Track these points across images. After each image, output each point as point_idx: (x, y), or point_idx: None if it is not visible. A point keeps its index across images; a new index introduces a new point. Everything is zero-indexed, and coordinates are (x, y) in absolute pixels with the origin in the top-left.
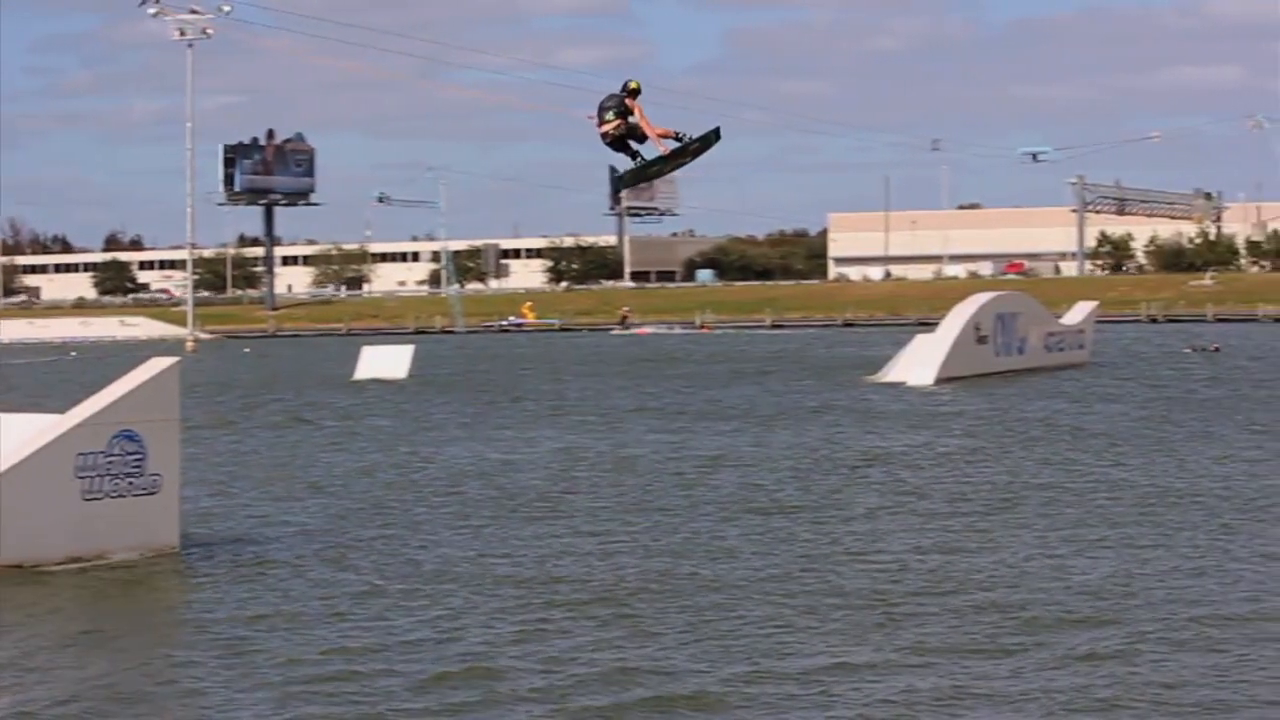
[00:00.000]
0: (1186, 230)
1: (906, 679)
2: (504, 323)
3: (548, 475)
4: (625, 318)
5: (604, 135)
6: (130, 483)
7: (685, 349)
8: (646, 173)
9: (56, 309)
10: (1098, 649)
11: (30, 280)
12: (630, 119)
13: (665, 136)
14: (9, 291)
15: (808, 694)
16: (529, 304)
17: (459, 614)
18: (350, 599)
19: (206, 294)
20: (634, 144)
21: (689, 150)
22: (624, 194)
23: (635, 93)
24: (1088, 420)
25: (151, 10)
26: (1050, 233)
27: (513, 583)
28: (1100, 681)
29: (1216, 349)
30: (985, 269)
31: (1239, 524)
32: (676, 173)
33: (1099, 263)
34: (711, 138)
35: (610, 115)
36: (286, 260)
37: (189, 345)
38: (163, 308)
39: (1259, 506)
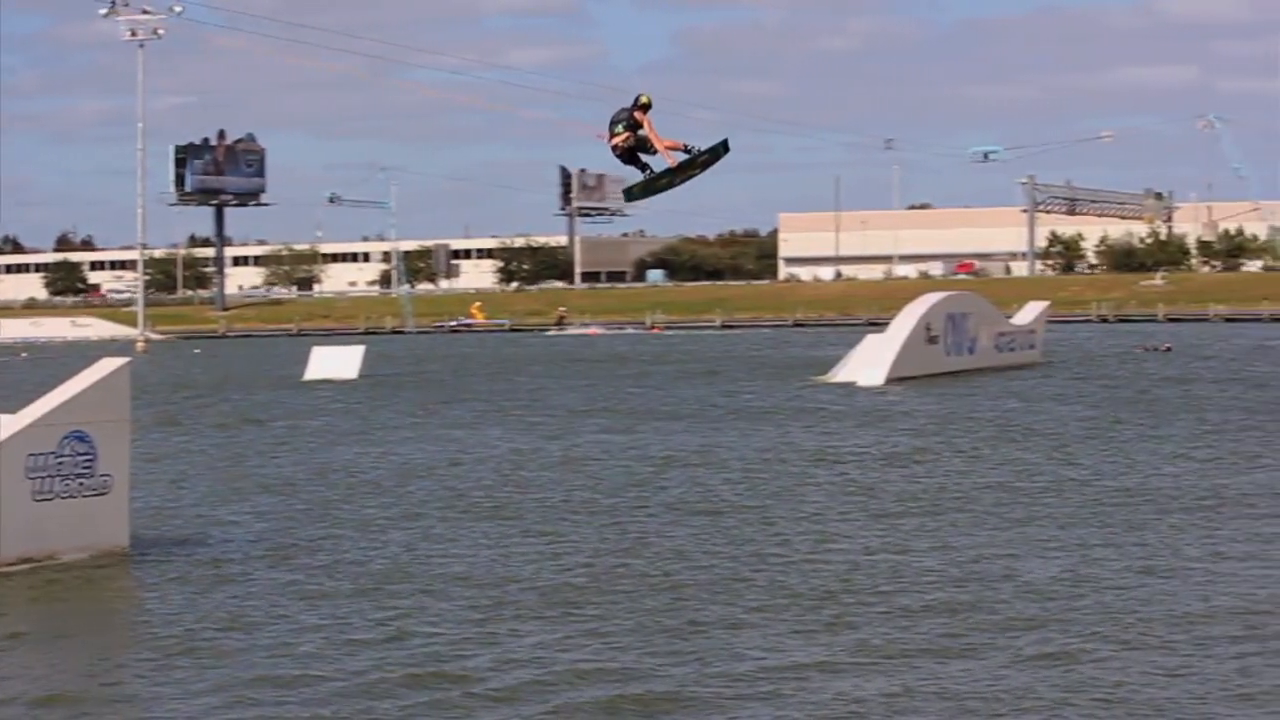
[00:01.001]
0: (1137, 230)
1: (855, 679)
2: (453, 323)
3: (498, 475)
4: (562, 318)
5: (614, 148)
6: (81, 483)
7: (635, 349)
8: (656, 185)
9: (7, 310)
10: (1046, 649)
11: None
12: (640, 132)
13: (674, 149)
14: None
15: (757, 694)
16: (478, 304)
17: (409, 614)
18: (299, 600)
19: (156, 294)
20: (644, 156)
21: (697, 162)
22: (574, 194)
23: (645, 107)
24: (1039, 420)
25: (103, 10)
26: (1001, 233)
27: (463, 583)
28: (1049, 681)
29: (1168, 349)
30: (936, 269)
31: (1188, 523)
32: (627, 171)
33: (1050, 263)
34: (720, 150)
35: (619, 128)
36: (237, 261)
37: (140, 346)
38: (113, 308)
39: (1208, 506)
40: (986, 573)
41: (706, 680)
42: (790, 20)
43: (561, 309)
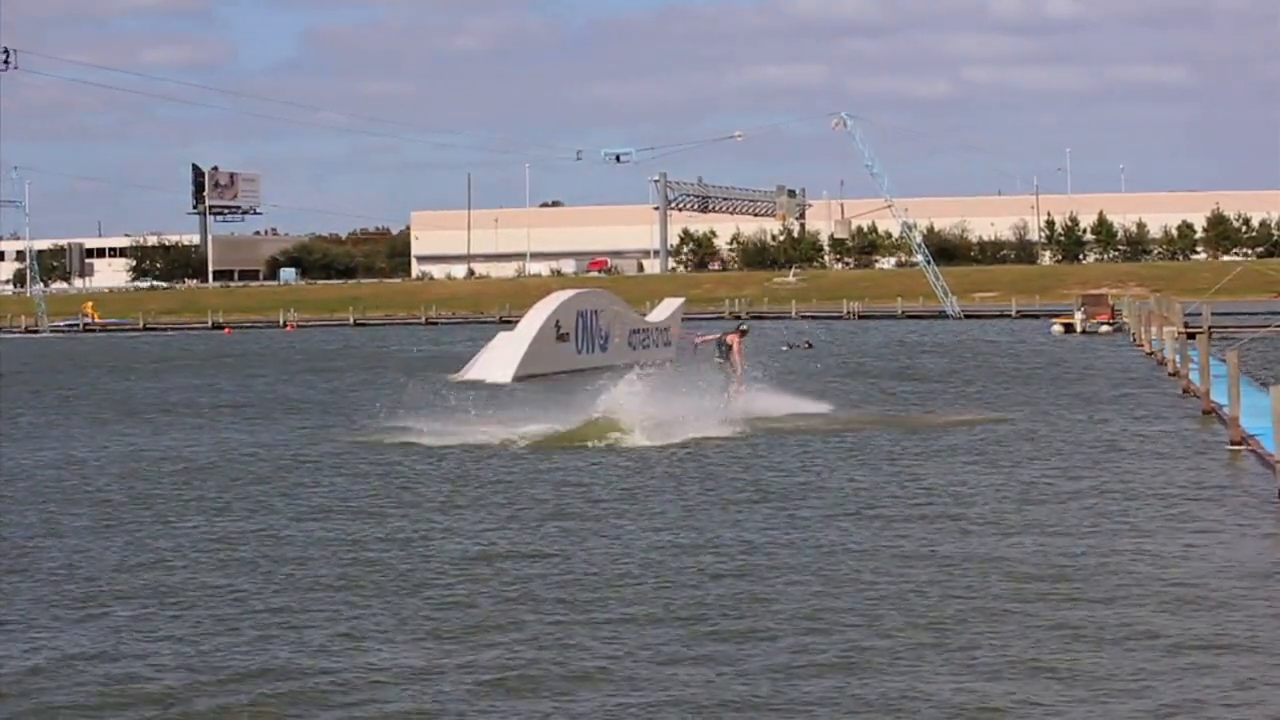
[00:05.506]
0: (770, 227)
1: (365, 658)
2: (76, 322)
3: (116, 476)
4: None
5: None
6: None
7: (268, 347)
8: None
9: None
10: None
11: None
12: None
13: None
14: None
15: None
16: (90, 303)
17: None
18: None
19: None
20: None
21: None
22: (206, 193)
23: (744, 333)
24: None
25: None
26: (634, 230)
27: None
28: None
29: (809, 345)
30: (568, 267)
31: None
32: (259, 170)
33: (682, 259)
34: None
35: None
36: None
37: None
38: None
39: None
40: (543, 562)
41: (278, 674)
42: (417, 20)
43: None
